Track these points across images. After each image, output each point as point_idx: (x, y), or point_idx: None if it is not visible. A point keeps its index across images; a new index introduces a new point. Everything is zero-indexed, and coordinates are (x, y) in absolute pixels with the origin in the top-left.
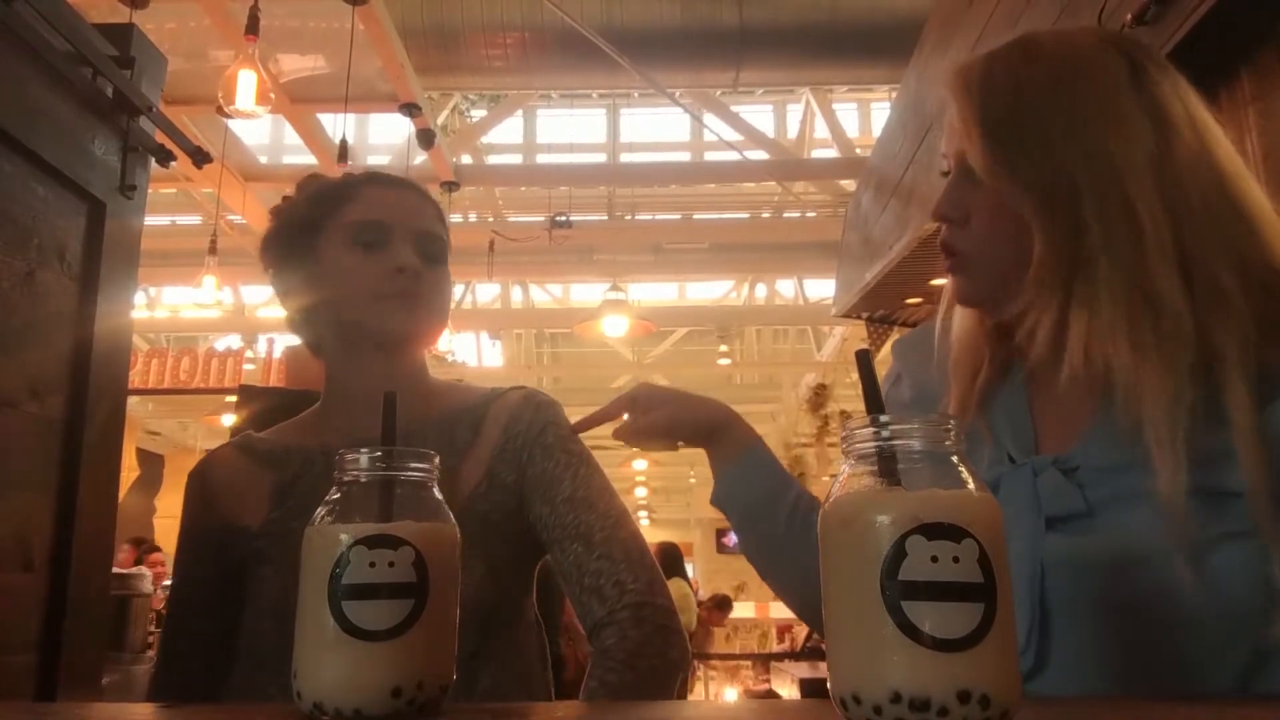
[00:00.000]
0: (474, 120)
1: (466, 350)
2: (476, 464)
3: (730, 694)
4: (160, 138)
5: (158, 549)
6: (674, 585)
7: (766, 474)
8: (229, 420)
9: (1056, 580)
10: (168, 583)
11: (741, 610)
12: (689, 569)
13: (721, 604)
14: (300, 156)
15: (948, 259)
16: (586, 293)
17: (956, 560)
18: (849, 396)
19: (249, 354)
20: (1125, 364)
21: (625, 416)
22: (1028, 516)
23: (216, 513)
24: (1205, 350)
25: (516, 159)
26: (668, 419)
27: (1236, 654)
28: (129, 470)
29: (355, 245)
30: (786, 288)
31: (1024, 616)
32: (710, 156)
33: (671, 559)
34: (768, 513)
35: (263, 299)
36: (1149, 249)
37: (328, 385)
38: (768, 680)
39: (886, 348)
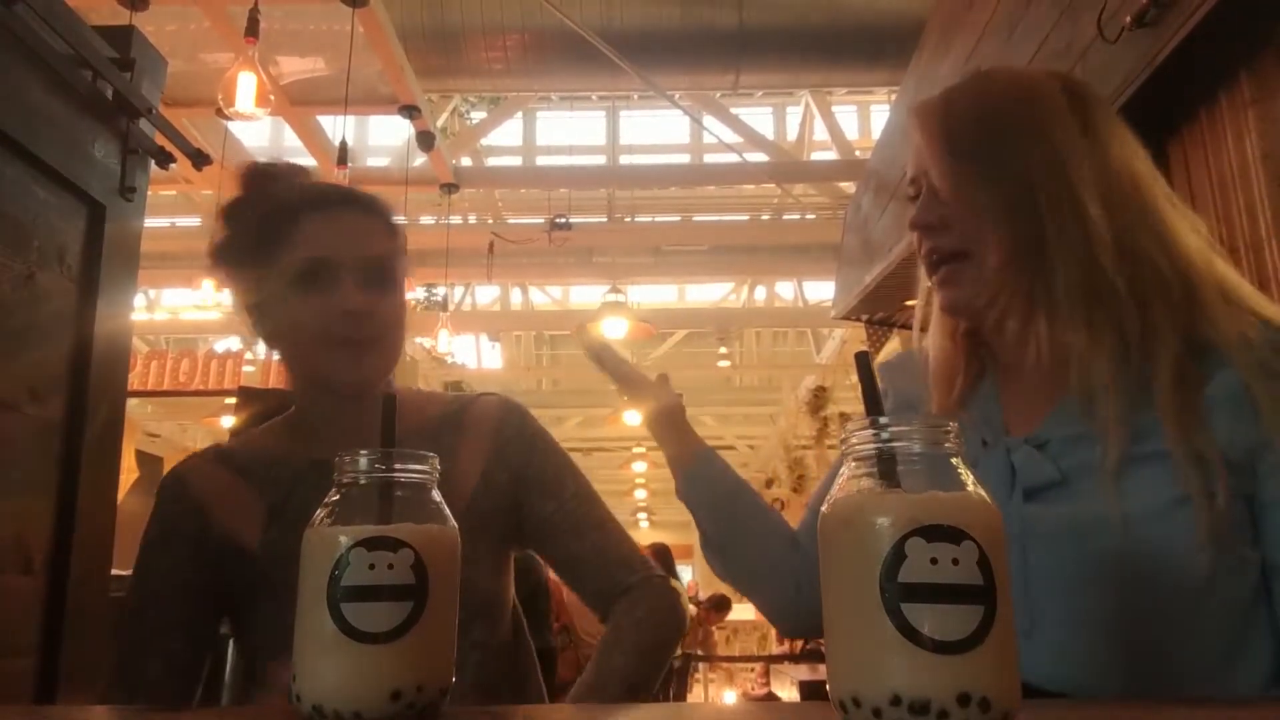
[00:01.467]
0: (474, 122)
1: (466, 352)
2: (469, 466)
3: (729, 696)
4: (160, 140)
5: None
6: None
7: (725, 465)
8: (228, 422)
9: (1039, 549)
10: None
11: (742, 613)
12: (690, 571)
13: (719, 605)
14: (300, 159)
15: (938, 267)
16: (586, 295)
17: (956, 562)
18: (848, 399)
19: (248, 356)
20: (1081, 341)
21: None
22: (1004, 490)
23: (200, 527)
24: (1145, 328)
25: (516, 161)
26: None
27: (1212, 614)
28: (128, 472)
29: (298, 288)
30: (786, 290)
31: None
32: (710, 159)
33: (664, 560)
34: (737, 493)
35: None
36: (1096, 245)
37: (299, 399)
38: (767, 684)
39: (885, 351)
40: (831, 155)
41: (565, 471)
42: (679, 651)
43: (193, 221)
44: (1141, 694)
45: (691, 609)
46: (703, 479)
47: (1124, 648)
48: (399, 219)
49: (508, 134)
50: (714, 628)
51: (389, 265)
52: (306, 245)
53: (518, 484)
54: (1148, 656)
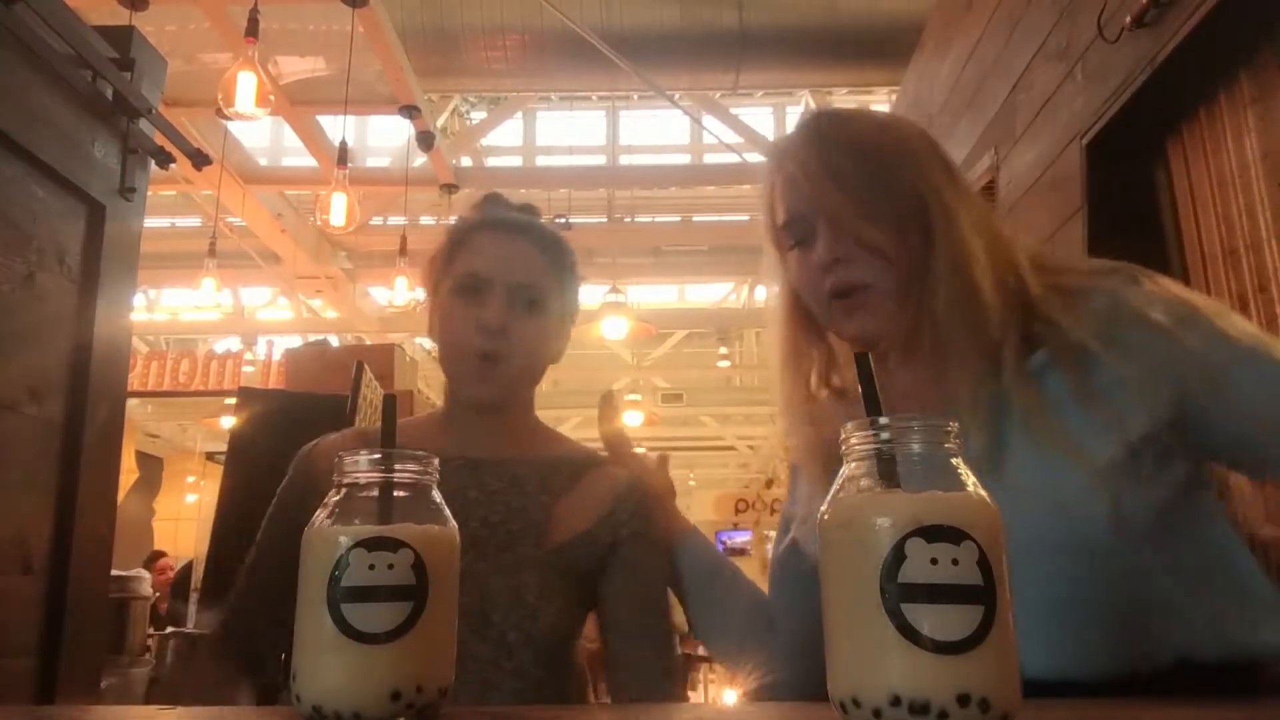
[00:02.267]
0: (473, 122)
1: None
2: (575, 514)
3: (730, 696)
4: (160, 140)
5: (163, 554)
6: None
7: (709, 545)
8: (228, 422)
9: None
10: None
11: None
12: None
13: None
14: (300, 159)
15: (848, 299)
16: (586, 295)
17: (956, 563)
18: None
19: (248, 356)
20: (960, 348)
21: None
22: None
23: (317, 498)
24: (1010, 331)
25: (516, 161)
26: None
27: (1170, 572)
28: (128, 473)
29: (456, 295)
30: None
31: None
32: (710, 159)
33: None
34: (717, 571)
35: (262, 301)
36: (975, 263)
37: (446, 400)
38: None
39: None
40: None
41: (653, 572)
42: (679, 651)
43: (193, 221)
44: (1136, 665)
45: None
46: (687, 557)
47: (1099, 625)
48: (570, 258)
49: (508, 134)
50: None
51: (538, 292)
52: (471, 257)
53: (610, 554)
54: (1121, 626)
